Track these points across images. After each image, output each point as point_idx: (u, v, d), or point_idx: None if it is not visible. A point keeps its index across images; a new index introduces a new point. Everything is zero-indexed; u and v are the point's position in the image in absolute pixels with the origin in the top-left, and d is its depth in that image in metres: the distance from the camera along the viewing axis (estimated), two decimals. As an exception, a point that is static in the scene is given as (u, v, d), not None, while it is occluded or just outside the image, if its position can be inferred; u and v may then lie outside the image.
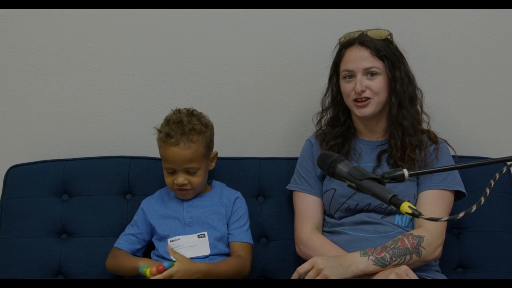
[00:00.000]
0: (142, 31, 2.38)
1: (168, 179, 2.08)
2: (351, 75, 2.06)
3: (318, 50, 2.38)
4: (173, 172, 2.06)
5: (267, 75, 2.42)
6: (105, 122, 2.41)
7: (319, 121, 2.21)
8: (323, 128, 2.20)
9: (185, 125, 2.04)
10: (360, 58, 2.04)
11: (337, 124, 2.16)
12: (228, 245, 2.11)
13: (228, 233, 2.11)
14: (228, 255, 2.10)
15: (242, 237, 2.11)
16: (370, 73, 2.03)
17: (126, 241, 2.12)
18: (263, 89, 2.43)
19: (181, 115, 2.08)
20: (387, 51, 2.04)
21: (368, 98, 2.04)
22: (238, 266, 2.05)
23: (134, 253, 2.12)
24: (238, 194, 2.18)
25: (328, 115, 2.19)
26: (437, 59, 2.42)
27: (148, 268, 1.93)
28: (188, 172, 2.05)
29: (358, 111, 2.06)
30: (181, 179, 2.05)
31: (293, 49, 2.41)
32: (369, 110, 2.05)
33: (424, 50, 2.40)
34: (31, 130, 2.40)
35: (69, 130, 2.41)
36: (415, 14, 2.40)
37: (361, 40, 2.06)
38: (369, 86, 2.03)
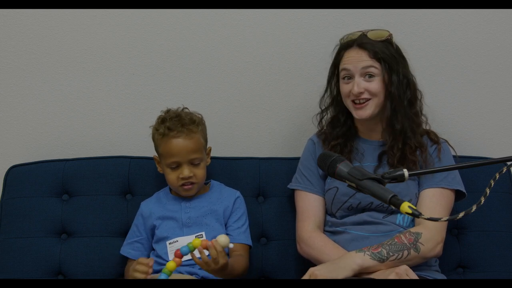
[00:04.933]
0: (142, 31, 2.38)
1: (171, 176, 2.08)
2: (350, 75, 2.05)
3: (318, 50, 2.37)
4: (177, 167, 2.07)
5: (267, 75, 2.42)
6: (105, 122, 2.41)
7: (320, 121, 2.21)
8: (324, 129, 2.20)
9: (184, 118, 2.09)
10: (358, 60, 2.04)
11: (338, 124, 2.15)
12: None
13: (227, 233, 2.10)
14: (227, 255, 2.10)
15: (240, 238, 2.11)
16: (368, 74, 2.03)
17: (133, 249, 2.12)
18: (263, 89, 2.42)
19: (177, 110, 2.14)
20: (385, 53, 2.03)
21: (367, 100, 2.03)
22: (244, 265, 2.06)
23: None
24: (238, 193, 2.18)
25: (328, 115, 2.19)
26: (437, 59, 2.42)
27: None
28: (192, 164, 2.07)
29: (356, 113, 2.06)
30: (186, 171, 2.05)
31: (293, 49, 2.41)
32: (367, 112, 2.04)
33: (424, 50, 2.40)
34: (31, 130, 2.40)
35: (69, 130, 2.41)
36: (415, 14, 2.40)
37: (359, 42, 2.06)
38: (367, 87, 2.03)
